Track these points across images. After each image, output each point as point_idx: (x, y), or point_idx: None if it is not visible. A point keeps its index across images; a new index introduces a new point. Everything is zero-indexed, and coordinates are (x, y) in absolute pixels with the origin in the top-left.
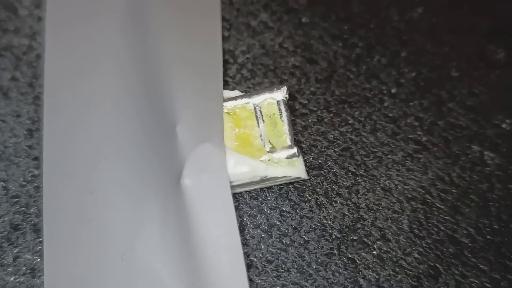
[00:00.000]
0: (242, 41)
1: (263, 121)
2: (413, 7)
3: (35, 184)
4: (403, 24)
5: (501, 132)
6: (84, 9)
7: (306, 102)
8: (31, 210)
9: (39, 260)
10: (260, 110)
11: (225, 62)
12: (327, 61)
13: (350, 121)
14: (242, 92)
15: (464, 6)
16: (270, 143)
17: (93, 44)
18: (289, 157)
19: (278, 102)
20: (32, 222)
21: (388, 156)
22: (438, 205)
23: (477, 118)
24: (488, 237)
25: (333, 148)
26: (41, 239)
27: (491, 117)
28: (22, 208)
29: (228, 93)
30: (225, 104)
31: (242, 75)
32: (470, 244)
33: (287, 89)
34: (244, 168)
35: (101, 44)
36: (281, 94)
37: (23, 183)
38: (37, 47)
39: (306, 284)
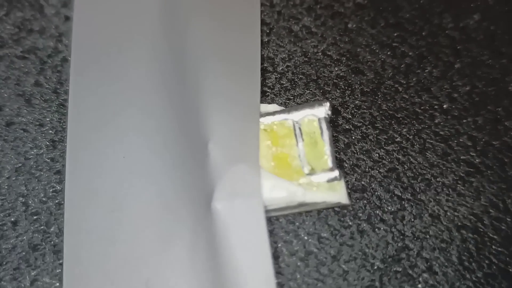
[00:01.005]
0: (283, 48)
1: (303, 139)
2: (469, 13)
3: (57, 201)
4: (457, 32)
5: None
6: (115, 10)
7: (350, 116)
8: (52, 229)
9: (58, 284)
10: (299, 128)
11: (264, 71)
12: (374, 72)
13: (397, 139)
14: (280, 105)
15: None
16: (310, 164)
17: (124, 48)
18: (330, 181)
19: (319, 119)
20: (52, 242)
21: (437, 179)
22: (490, 235)
23: None
24: None
25: (377, 169)
26: (61, 261)
27: None
28: (42, 227)
29: (265, 107)
30: (261, 119)
31: (281, 85)
32: None
33: (330, 103)
34: (281, 193)
35: (132, 48)
36: (323, 110)
37: (44, 199)
38: (63, 50)
39: None
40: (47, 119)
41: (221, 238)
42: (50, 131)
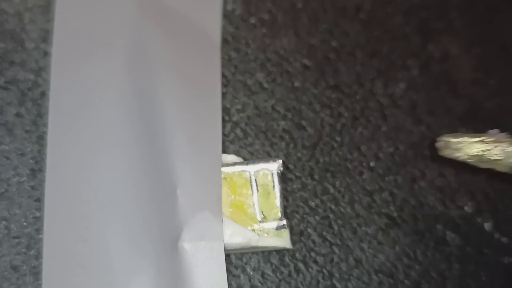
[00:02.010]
0: (238, 100)
1: (258, 190)
2: (396, 82)
3: (36, 226)
4: (386, 98)
5: (463, 214)
6: (91, 49)
7: (293, 167)
8: (31, 252)
9: None
10: (255, 179)
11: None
12: (314, 128)
13: (330, 191)
14: (233, 152)
15: (442, 87)
16: (262, 213)
17: (99, 87)
18: (279, 228)
19: (272, 174)
20: (32, 265)
21: (362, 228)
22: (401, 279)
23: (443, 199)
24: None
25: (313, 216)
26: (40, 282)
27: (456, 199)
28: (23, 249)
29: (225, 157)
30: (222, 169)
31: (235, 134)
32: None
33: (283, 160)
34: (239, 238)
35: (106, 88)
36: (276, 166)
37: (25, 223)
38: (42, 84)
39: None
40: (28, 149)
41: (185, 273)
42: (31, 160)
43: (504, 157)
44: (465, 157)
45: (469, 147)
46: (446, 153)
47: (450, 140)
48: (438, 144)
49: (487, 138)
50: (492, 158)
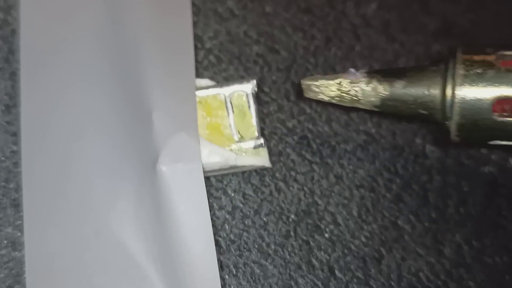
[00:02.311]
0: (210, 27)
1: (233, 111)
2: (368, 2)
3: (14, 160)
4: (358, 18)
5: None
6: None
7: (268, 90)
8: (11, 186)
9: (19, 234)
10: (230, 101)
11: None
12: (287, 51)
13: (307, 111)
14: (209, 79)
15: (414, 6)
16: (239, 133)
17: (70, 20)
18: (256, 147)
19: (247, 94)
20: (12, 197)
21: (341, 146)
22: (382, 193)
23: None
24: (426, 224)
25: (291, 136)
26: (21, 214)
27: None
28: (2, 183)
29: (199, 82)
30: (197, 93)
31: (209, 61)
32: (410, 231)
33: (257, 80)
34: (217, 158)
35: (78, 20)
36: (250, 87)
37: (2, 158)
38: (12, 22)
39: (266, 263)
40: (1, 86)
41: (165, 195)
42: (5, 97)
43: (362, 96)
44: (327, 98)
45: (328, 90)
46: (310, 95)
47: (310, 83)
48: (302, 87)
49: (343, 80)
50: (352, 98)
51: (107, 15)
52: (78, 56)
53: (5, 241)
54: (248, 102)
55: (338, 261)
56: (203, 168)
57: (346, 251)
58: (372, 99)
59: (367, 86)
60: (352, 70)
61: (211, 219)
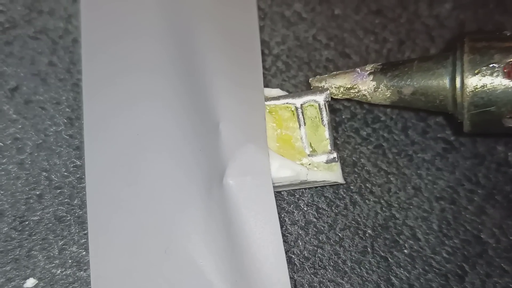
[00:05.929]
0: (277, 32)
1: (305, 123)
2: (441, 2)
3: (78, 175)
4: (432, 19)
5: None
6: None
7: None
8: (75, 202)
9: (84, 253)
10: (302, 112)
11: (261, 54)
12: (359, 56)
13: (382, 118)
14: (277, 86)
15: (490, 4)
16: (311, 146)
17: (133, 28)
18: (329, 162)
19: (319, 105)
20: (76, 214)
21: (418, 155)
22: (464, 205)
23: None
24: (511, 237)
25: (366, 146)
26: (85, 232)
27: None
28: (66, 200)
29: (269, 91)
30: (267, 103)
31: (277, 67)
32: (494, 245)
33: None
34: (287, 172)
35: (141, 29)
36: (323, 97)
37: (66, 173)
38: (73, 31)
39: (342, 281)
40: (63, 97)
41: (233, 210)
42: (67, 109)
43: (371, 98)
44: (338, 97)
45: (338, 91)
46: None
47: (318, 85)
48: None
49: (350, 82)
50: (361, 97)
51: (170, 23)
52: (142, 66)
53: (70, 261)
54: (321, 113)
55: (418, 279)
56: (273, 183)
57: (426, 267)
58: (382, 101)
59: (375, 92)
60: (358, 69)
61: (283, 234)
